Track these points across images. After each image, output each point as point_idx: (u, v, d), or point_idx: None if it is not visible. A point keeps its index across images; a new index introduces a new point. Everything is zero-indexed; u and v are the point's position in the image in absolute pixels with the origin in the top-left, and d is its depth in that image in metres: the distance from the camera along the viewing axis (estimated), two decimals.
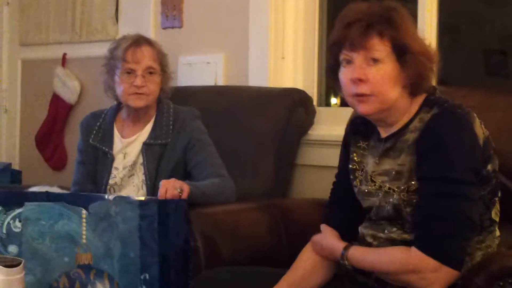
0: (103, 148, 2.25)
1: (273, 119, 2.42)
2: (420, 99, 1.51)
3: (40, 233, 1.63)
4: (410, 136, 1.48)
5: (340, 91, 1.56)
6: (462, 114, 1.46)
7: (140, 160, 2.22)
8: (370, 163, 1.56)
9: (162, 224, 1.70)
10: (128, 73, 2.20)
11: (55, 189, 2.10)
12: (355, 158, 1.61)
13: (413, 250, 1.39)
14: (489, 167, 1.47)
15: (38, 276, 1.62)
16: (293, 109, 2.47)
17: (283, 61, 2.74)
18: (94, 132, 2.28)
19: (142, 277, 1.67)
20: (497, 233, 1.54)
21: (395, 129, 1.52)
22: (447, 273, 1.38)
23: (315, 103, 2.67)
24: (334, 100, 2.93)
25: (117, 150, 2.26)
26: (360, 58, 1.47)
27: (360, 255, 1.50)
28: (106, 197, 1.71)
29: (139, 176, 2.22)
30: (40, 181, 2.76)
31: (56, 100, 3.39)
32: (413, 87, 1.50)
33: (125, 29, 3.20)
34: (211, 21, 2.91)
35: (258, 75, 2.71)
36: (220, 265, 1.75)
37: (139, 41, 2.24)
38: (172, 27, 3.03)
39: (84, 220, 1.65)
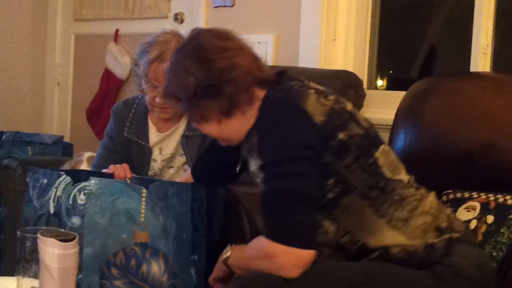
0: (139, 141, 2.18)
1: None
2: (262, 96, 1.51)
3: (101, 207, 1.66)
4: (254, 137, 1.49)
5: None
6: (284, 97, 1.46)
7: (179, 151, 2.18)
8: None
9: (209, 208, 1.72)
10: (151, 87, 2.09)
11: None
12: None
13: (260, 237, 1.40)
14: (342, 135, 1.44)
15: (97, 249, 1.65)
16: (343, 92, 2.45)
17: (334, 43, 2.72)
18: (128, 124, 2.20)
19: (192, 258, 1.69)
20: (410, 189, 1.50)
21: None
22: (296, 254, 1.36)
23: (364, 85, 2.66)
24: (379, 82, 2.91)
25: (153, 143, 2.19)
26: None
27: (239, 249, 1.52)
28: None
29: (179, 168, 2.18)
30: None
31: (108, 75, 3.44)
32: None
33: (177, 7, 3.22)
34: (263, 1, 2.91)
35: (308, 56, 2.70)
36: None
37: (163, 56, 2.04)
38: (224, 6, 3.03)
39: (143, 199, 1.68)
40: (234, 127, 1.52)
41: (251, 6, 2.95)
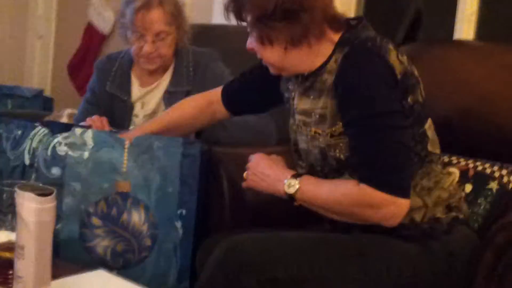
0: (121, 96, 2.17)
1: None
2: (335, 38, 1.50)
3: (83, 157, 1.69)
4: (328, 78, 1.48)
5: None
6: (373, 48, 1.45)
7: (161, 108, 2.16)
8: (296, 98, 1.58)
9: (202, 165, 1.74)
10: (138, 36, 2.08)
11: None
12: (290, 87, 1.62)
13: (363, 185, 1.40)
14: (410, 99, 1.46)
15: (78, 199, 1.68)
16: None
17: None
18: (110, 78, 2.18)
19: (178, 212, 1.71)
20: (439, 165, 1.54)
21: (312, 68, 1.52)
22: (402, 205, 1.40)
23: None
24: None
25: (135, 98, 2.18)
26: None
27: (313, 185, 1.49)
28: None
29: None
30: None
31: (90, 29, 3.41)
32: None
33: None
34: None
35: None
36: (243, 208, 1.77)
37: (150, 3, 2.06)
38: None
39: (126, 150, 1.70)
40: (297, 58, 1.50)
41: None
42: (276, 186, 1.52)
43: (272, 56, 1.51)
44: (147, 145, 1.71)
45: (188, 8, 2.91)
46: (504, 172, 1.75)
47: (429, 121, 1.54)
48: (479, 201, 1.71)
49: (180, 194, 1.70)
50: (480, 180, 1.75)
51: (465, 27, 2.45)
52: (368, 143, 1.42)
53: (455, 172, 1.62)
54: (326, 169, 1.51)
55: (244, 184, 1.61)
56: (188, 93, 2.12)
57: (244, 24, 1.52)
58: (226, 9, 1.52)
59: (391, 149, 1.41)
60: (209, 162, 1.79)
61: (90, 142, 1.70)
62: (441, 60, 2.00)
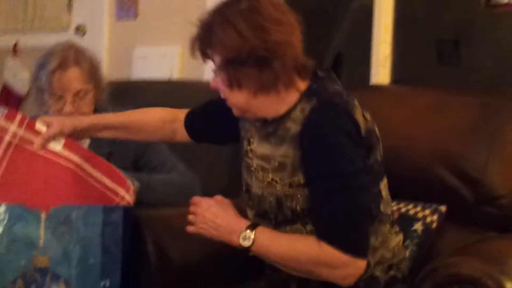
0: None
1: None
2: (302, 87, 1.48)
3: None
4: (292, 126, 1.46)
5: None
6: (341, 105, 1.45)
7: None
8: (255, 141, 1.56)
9: (125, 231, 1.69)
10: (57, 98, 2.03)
11: None
12: (247, 127, 1.60)
13: (323, 245, 1.39)
14: (371, 157, 1.47)
15: None
16: None
17: None
18: None
19: (102, 284, 1.65)
20: (388, 225, 1.54)
21: (277, 115, 1.49)
22: (359, 265, 1.40)
23: None
24: None
25: None
26: None
27: (270, 239, 1.46)
28: None
29: None
30: None
31: (6, 91, 3.34)
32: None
33: (79, 19, 3.15)
34: (167, 12, 2.88)
35: None
36: (171, 270, 1.73)
37: (65, 63, 2.02)
38: (127, 18, 2.99)
39: (42, 222, 1.64)
40: (263, 104, 1.46)
41: (155, 18, 2.92)
42: (230, 237, 1.49)
43: (239, 99, 1.47)
44: (65, 215, 1.65)
45: (106, 64, 2.90)
46: (427, 212, 1.77)
47: (385, 180, 1.54)
48: (406, 243, 1.71)
49: (102, 264, 1.65)
50: (405, 222, 1.75)
51: (380, 70, 2.51)
52: (330, 201, 1.41)
53: (401, 234, 1.61)
54: (279, 217, 1.49)
55: (190, 229, 1.55)
56: (109, 155, 2.05)
57: (209, 62, 1.48)
58: (192, 46, 1.47)
59: (353, 209, 1.40)
60: (133, 227, 1.74)
61: (3, 217, 1.63)
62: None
